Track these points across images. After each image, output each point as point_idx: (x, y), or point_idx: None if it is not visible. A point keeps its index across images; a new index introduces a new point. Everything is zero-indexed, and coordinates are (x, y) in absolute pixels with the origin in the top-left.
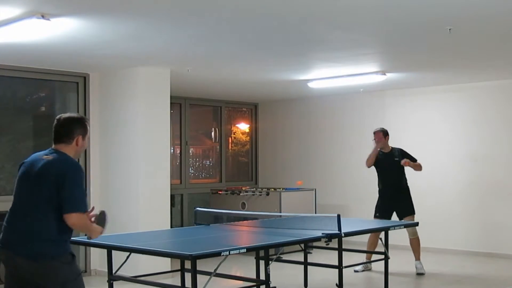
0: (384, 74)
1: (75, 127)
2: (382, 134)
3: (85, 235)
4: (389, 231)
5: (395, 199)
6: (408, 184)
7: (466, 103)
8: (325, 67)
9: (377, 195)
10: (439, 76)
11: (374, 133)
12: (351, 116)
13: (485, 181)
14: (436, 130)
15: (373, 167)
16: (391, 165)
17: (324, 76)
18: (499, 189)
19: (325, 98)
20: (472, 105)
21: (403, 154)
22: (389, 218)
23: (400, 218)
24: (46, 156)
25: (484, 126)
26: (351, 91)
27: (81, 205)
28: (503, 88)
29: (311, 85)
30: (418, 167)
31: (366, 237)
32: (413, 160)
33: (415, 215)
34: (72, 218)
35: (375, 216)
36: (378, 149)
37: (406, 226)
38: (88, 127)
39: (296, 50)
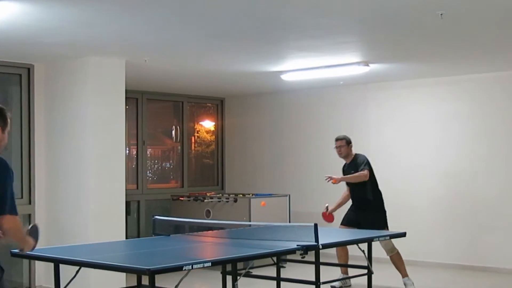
0: (367, 65)
1: None
2: (345, 142)
3: (17, 249)
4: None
5: (359, 215)
6: (382, 196)
7: (460, 98)
8: (300, 57)
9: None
10: (429, 67)
11: (336, 140)
12: (329, 112)
13: (480, 187)
14: (425, 129)
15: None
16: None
17: (299, 68)
18: (495, 200)
19: (300, 92)
20: (466, 101)
21: (356, 165)
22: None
23: None
24: None
25: (479, 124)
26: (329, 84)
27: (15, 207)
28: (502, 81)
29: (284, 77)
30: (353, 178)
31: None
32: (360, 170)
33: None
34: (8, 221)
35: (341, 224)
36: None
37: (392, 237)
38: (8, 119)
39: (267, 38)
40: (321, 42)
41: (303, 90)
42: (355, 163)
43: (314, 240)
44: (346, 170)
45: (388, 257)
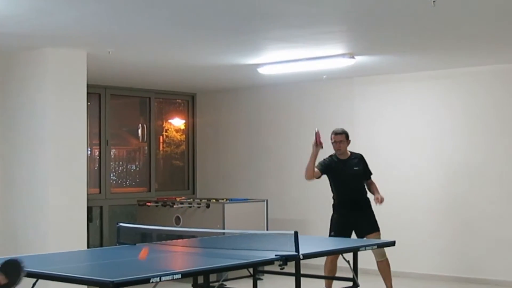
0: (353, 57)
1: None
2: (345, 136)
3: None
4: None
5: (354, 215)
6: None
7: (455, 93)
8: (279, 49)
9: None
10: (420, 60)
11: (335, 134)
12: (311, 109)
13: (477, 194)
14: (416, 127)
15: (324, 177)
16: (349, 176)
17: (277, 60)
18: (493, 205)
19: (279, 87)
20: (462, 96)
21: (365, 163)
22: (348, 237)
23: (362, 237)
24: None
25: (476, 122)
26: (311, 78)
27: None
28: (501, 75)
29: (261, 71)
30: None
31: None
32: (369, 175)
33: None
34: None
35: (330, 235)
36: (317, 154)
37: (380, 245)
38: None
39: (243, 27)
40: (302, 32)
41: (283, 85)
42: (359, 162)
43: (294, 249)
44: (342, 166)
45: (376, 265)
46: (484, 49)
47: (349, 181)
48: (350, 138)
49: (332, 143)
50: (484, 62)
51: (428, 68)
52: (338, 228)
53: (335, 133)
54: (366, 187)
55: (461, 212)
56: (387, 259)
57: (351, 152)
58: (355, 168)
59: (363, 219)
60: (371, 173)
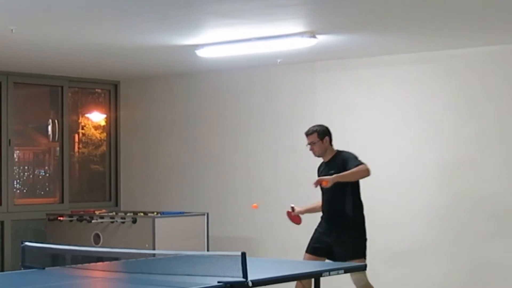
0: (314, 37)
1: None
2: (317, 136)
3: None
4: (322, 278)
5: (332, 236)
6: (364, 214)
7: (438, 80)
8: (223, 26)
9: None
10: (398, 40)
11: (306, 135)
12: (263, 101)
13: (468, 197)
14: (392, 122)
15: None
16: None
17: (220, 40)
18: (489, 208)
19: (223, 73)
20: (446, 84)
21: (344, 161)
22: (327, 258)
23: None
24: None
25: (464, 115)
26: (263, 63)
27: None
28: (493, 58)
29: (200, 53)
30: (353, 175)
31: (287, 286)
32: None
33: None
34: None
35: (306, 252)
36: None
37: (347, 270)
38: None
39: (177, 0)
40: (251, 6)
41: (227, 71)
42: (338, 161)
43: (241, 274)
44: (324, 170)
45: None
46: (473, 27)
47: (325, 190)
48: (328, 135)
49: (307, 144)
50: (473, 43)
51: (406, 50)
52: (312, 248)
53: (306, 135)
54: (351, 201)
55: (460, 217)
56: (369, 285)
57: (338, 152)
58: (330, 171)
59: (343, 244)
60: (356, 163)
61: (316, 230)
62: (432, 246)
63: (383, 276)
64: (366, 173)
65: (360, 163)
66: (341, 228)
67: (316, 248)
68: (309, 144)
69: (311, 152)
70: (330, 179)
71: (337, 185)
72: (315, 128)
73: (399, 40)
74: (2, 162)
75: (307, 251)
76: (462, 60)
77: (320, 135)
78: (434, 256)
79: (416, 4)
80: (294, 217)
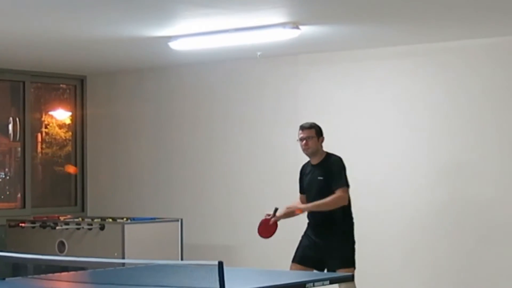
0: (297, 28)
1: None
2: (315, 131)
3: None
4: None
5: (319, 244)
6: (353, 221)
7: (433, 74)
8: (198, 16)
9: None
10: (387, 32)
11: (302, 129)
12: (242, 97)
13: (465, 203)
14: (381, 119)
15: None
16: (313, 188)
17: (195, 32)
18: (489, 215)
19: (198, 67)
20: (440, 78)
21: (334, 170)
22: (315, 269)
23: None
24: None
25: (461, 112)
26: (242, 56)
27: None
28: (490, 51)
29: (174, 45)
30: (325, 205)
31: None
32: (335, 186)
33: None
34: None
35: (293, 262)
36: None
37: (334, 281)
38: None
39: None
40: None
41: (203, 65)
42: (327, 169)
43: (218, 285)
44: (310, 173)
45: None
46: (471, 18)
47: (313, 195)
48: (323, 136)
49: (298, 140)
50: (469, 34)
51: (397, 42)
52: (299, 257)
53: (301, 128)
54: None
55: (463, 226)
56: None
57: (327, 155)
58: (319, 178)
59: (331, 250)
60: (338, 184)
61: (302, 238)
62: (426, 249)
63: (376, 280)
64: (342, 202)
65: (342, 184)
66: (330, 235)
67: (304, 258)
68: (303, 138)
69: (296, 151)
70: (304, 208)
71: (326, 189)
72: (313, 124)
73: (389, 31)
74: None
75: (294, 261)
76: (457, 52)
77: (318, 132)
78: (428, 260)
79: None
80: (271, 226)
